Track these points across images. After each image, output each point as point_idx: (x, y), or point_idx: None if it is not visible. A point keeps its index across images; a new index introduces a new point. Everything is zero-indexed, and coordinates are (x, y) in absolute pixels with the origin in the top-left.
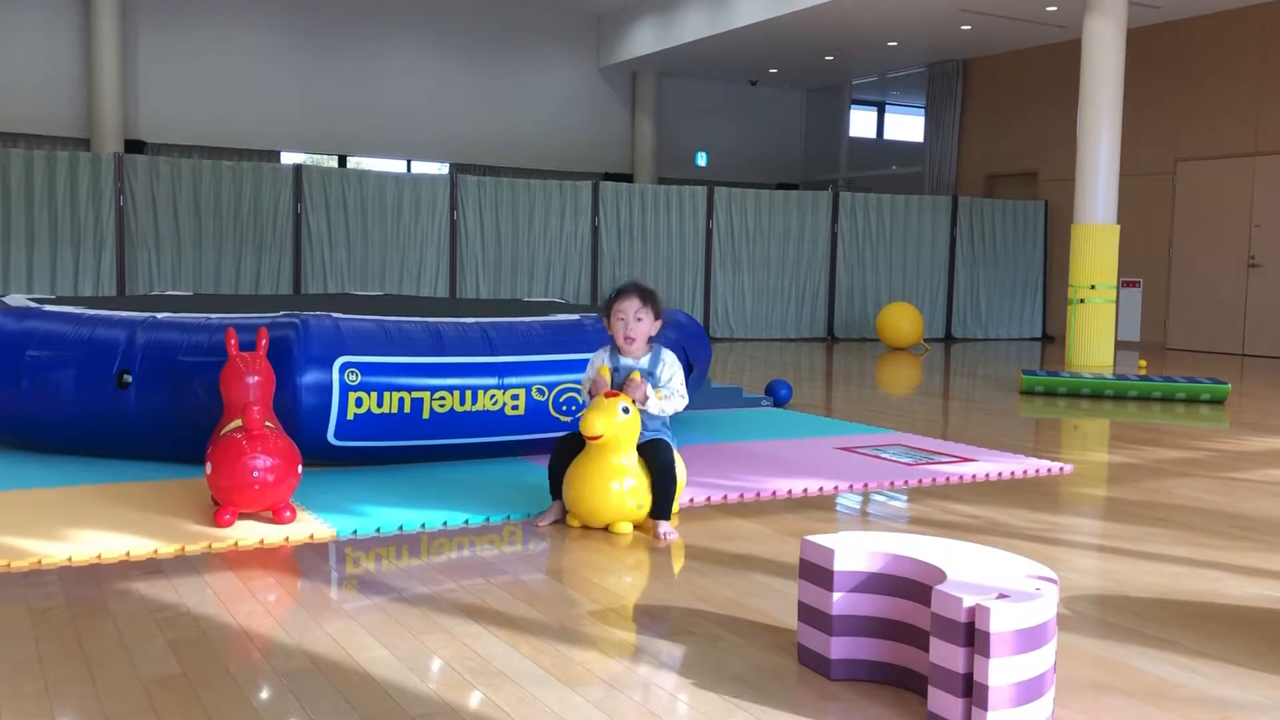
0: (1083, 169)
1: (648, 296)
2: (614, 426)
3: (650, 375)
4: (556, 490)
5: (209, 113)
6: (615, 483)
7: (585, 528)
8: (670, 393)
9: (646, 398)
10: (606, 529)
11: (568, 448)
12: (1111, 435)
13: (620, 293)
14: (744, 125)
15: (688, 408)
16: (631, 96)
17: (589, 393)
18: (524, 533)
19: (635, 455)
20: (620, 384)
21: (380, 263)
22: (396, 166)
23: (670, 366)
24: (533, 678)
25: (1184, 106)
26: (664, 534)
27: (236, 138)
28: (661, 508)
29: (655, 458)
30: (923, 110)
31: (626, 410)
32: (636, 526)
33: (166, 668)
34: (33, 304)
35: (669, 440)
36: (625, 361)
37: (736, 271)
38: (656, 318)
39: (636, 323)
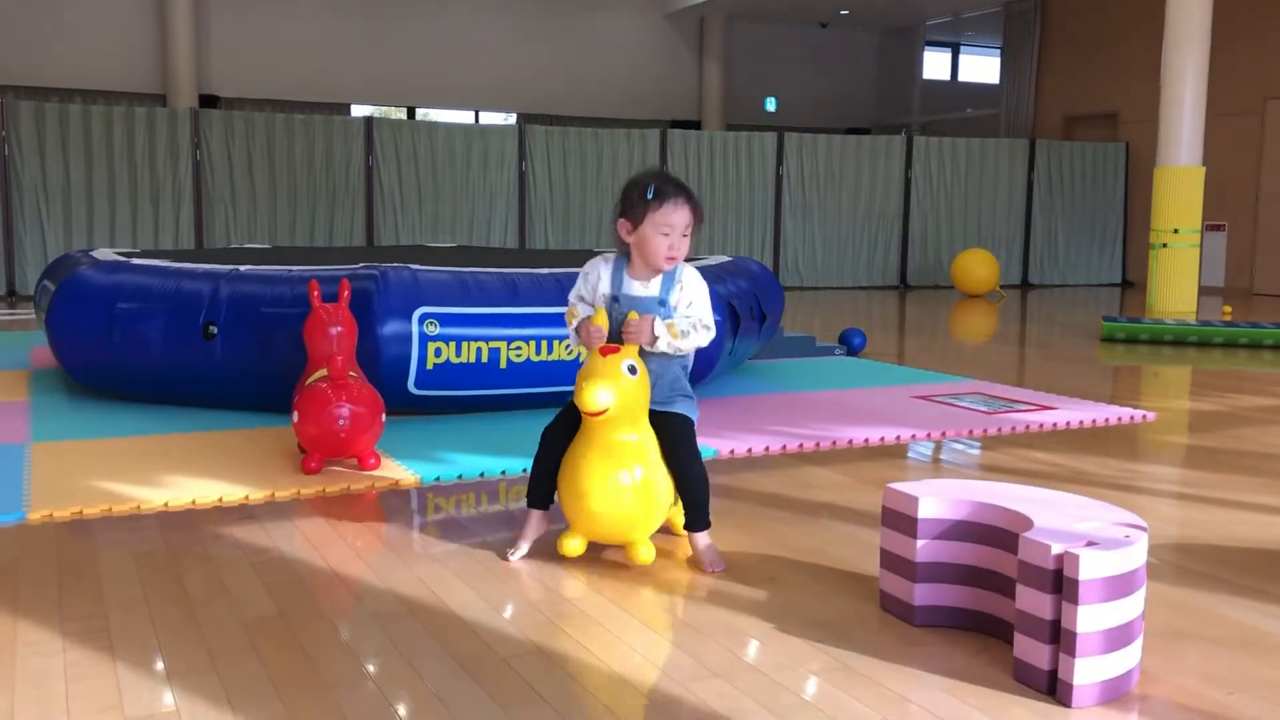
0: (1166, 109)
1: (698, 208)
2: (622, 395)
3: (661, 304)
4: (539, 496)
5: (280, 67)
6: (624, 472)
7: (588, 556)
8: (689, 325)
9: (656, 338)
10: (624, 555)
11: (559, 438)
12: (1195, 382)
13: (665, 194)
14: (814, 69)
15: (758, 357)
16: (699, 41)
17: (579, 333)
18: None
19: (647, 430)
20: (617, 330)
21: (450, 214)
22: (464, 118)
23: (691, 288)
24: (619, 621)
25: (1275, 42)
26: (709, 564)
27: (307, 91)
28: (697, 515)
29: (673, 443)
30: (999, 50)
31: (634, 370)
32: (661, 537)
33: (264, 609)
34: (120, 258)
35: (687, 412)
36: (630, 289)
37: (807, 219)
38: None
39: (682, 239)
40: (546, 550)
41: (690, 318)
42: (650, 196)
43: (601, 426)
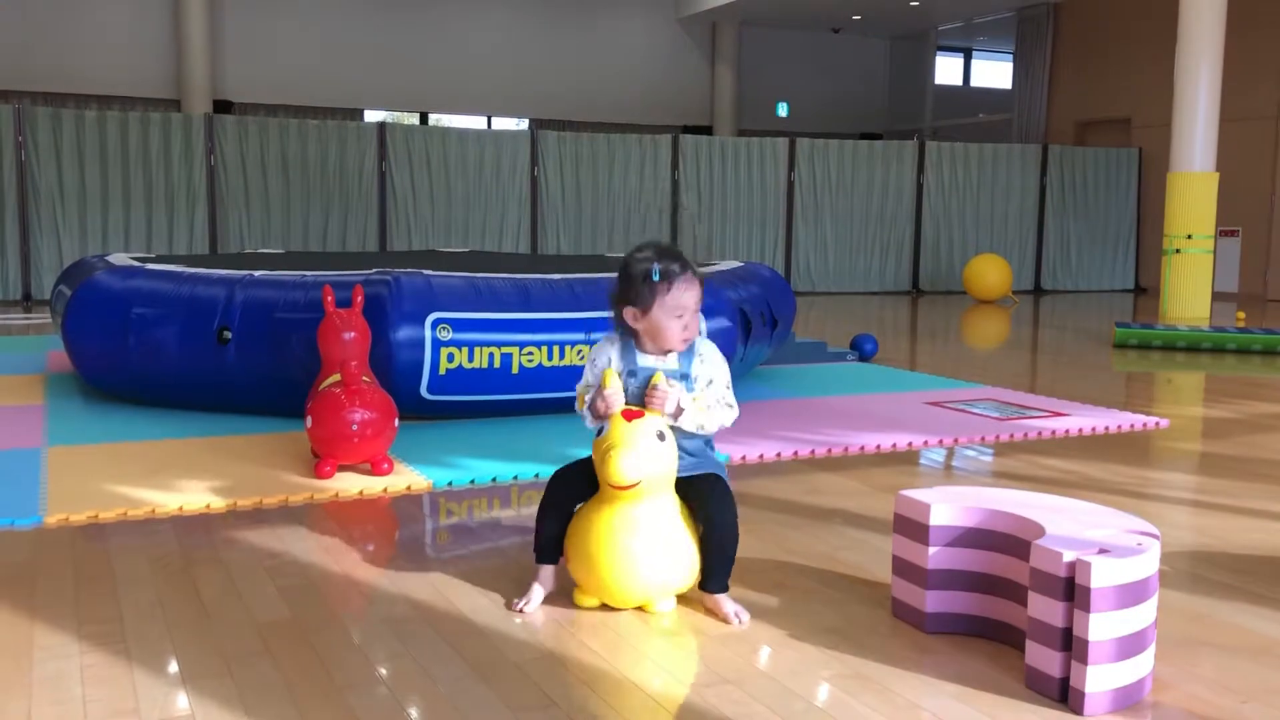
0: (1180, 114)
1: (701, 280)
2: (653, 464)
3: (683, 378)
4: (548, 551)
5: (293, 72)
6: (646, 548)
7: (605, 607)
8: (713, 401)
9: (681, 410)
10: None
11: (569, 488)
12: (1208, 389)
13: (672, 275)
14: (826, 74)
15: (769, 363)
16: (711, 47)
17: (591, 410)
18: None
19: (673, 499)
20: (639, 395)
21: (463, 219)
22: (477, 123)
23: (712, 364)
24: (629, 627)
25: None
26: (734, 615)
27: (320, 96)
28: (718, 575)
29: (709, 507)
30: (1011, 56)
31: (663, 436)
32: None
33: (277, 613)
34: (135, 263)
35: (721, 473)
36: (645, 362)
37: (819, 224)
38: None
39: (694, 318)
40: None
41: (713, 393)
42: (657, 279)
43: (621, 499)
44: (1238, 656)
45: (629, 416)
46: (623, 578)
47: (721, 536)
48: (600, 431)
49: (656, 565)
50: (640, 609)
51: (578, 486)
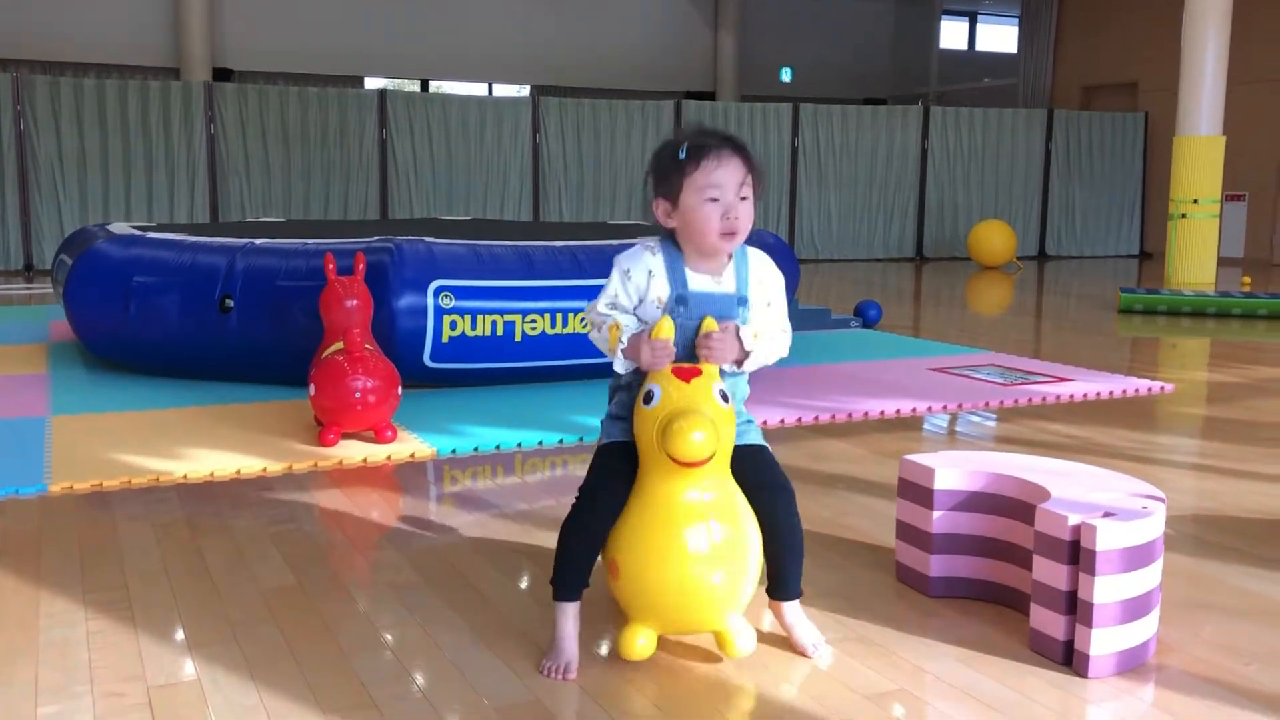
0: (1187, 78)
1: (751, 159)
2: (722, 432)
3: (740, 304)
4: (576, 580)
5: (293, 39)
6: (707, 540)
7: (661, 650)
8: (771, 329)
9: (747, 353)
10: (716, 647)
11: (615, 500)
12: (1213, 354)
13: (703, 149)
14: (830, 38)
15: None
16: (714, 11)
17: (622, 351)
18: None
19: (728, 476)
20: (690, 332)
21: (464, 187)
22: (478, 90)
23: (770, 282)
24: None
25: None
26: (813, 646)
27: (320, 64)
28: (792, 580)
29: (772, 490)
30: (1017, 20)
31: (726, 397)
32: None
33: (283, 580)
34: (136, 232)
35: (763, 441)
36: (697, 285)
37: (823, 190)
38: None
39: (741, 203)
40: (557, 522)
41: (772, 317)
42: (684, 156)
43: (677, 480)
44: (1241, 619)
45: (684, 376)
46: (687, 587)
47: (788, 539)
48: (648, 395)
49: (722, 567)
50: (718, 654)
51: (620, 497)
